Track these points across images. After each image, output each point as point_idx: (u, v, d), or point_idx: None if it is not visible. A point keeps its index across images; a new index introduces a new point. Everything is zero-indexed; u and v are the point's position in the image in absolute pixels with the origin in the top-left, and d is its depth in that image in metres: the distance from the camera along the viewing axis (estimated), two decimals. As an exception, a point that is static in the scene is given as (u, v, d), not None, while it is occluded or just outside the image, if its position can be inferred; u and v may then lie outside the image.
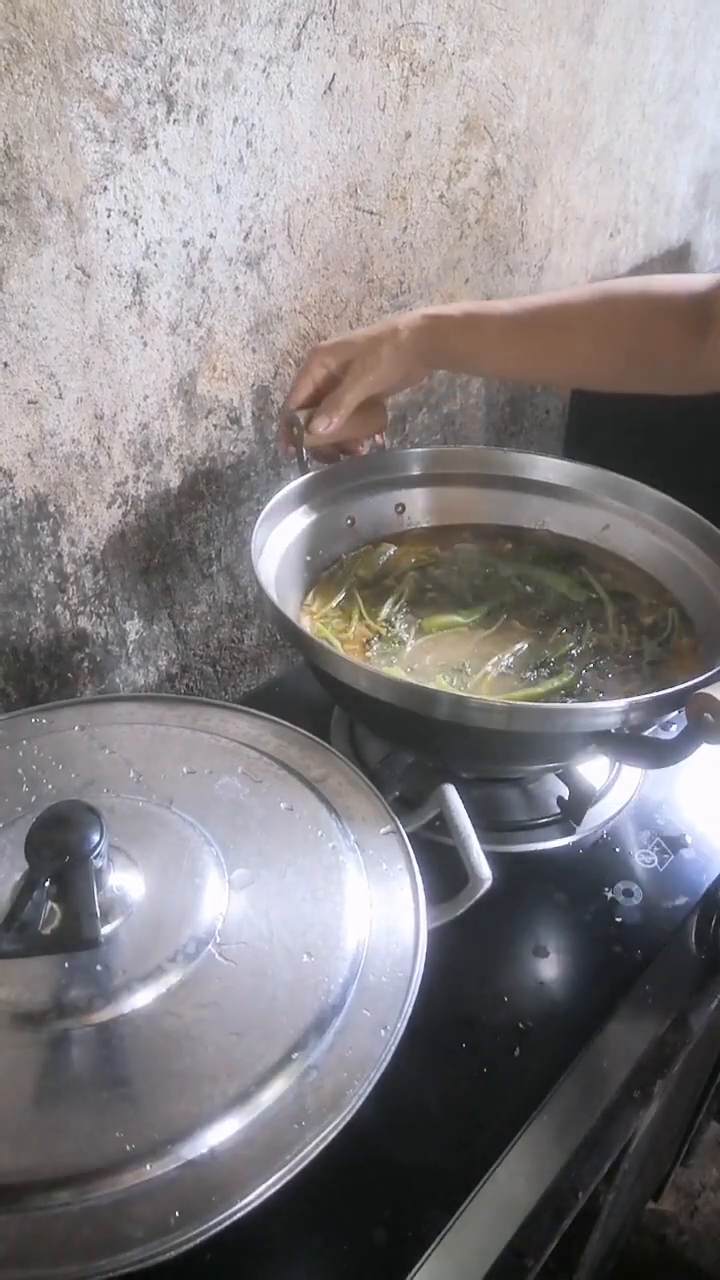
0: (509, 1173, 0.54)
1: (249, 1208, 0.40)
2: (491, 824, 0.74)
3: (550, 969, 0.65)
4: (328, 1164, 0.42)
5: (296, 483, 0.79)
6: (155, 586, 0.86)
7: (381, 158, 0.87)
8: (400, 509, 0.88)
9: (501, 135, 0.99)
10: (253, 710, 0.66)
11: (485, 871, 0.54)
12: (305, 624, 0.77)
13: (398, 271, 0.95)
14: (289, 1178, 0.41)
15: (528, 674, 0.73)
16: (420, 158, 0.91)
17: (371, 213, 0.89)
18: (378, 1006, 0.48)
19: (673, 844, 0.73)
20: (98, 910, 0.46)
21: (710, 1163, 1.40)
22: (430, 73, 0.87)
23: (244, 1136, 0.43)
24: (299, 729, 0.64)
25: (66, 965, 0.47)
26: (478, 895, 0.54)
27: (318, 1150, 0.42)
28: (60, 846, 0.47)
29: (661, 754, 0.60)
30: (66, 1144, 0.42)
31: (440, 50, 0.87)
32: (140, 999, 0.47)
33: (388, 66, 0.83)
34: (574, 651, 0.75)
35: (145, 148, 0.67)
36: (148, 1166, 0.41)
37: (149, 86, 0.66)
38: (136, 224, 0.69)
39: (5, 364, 0.66)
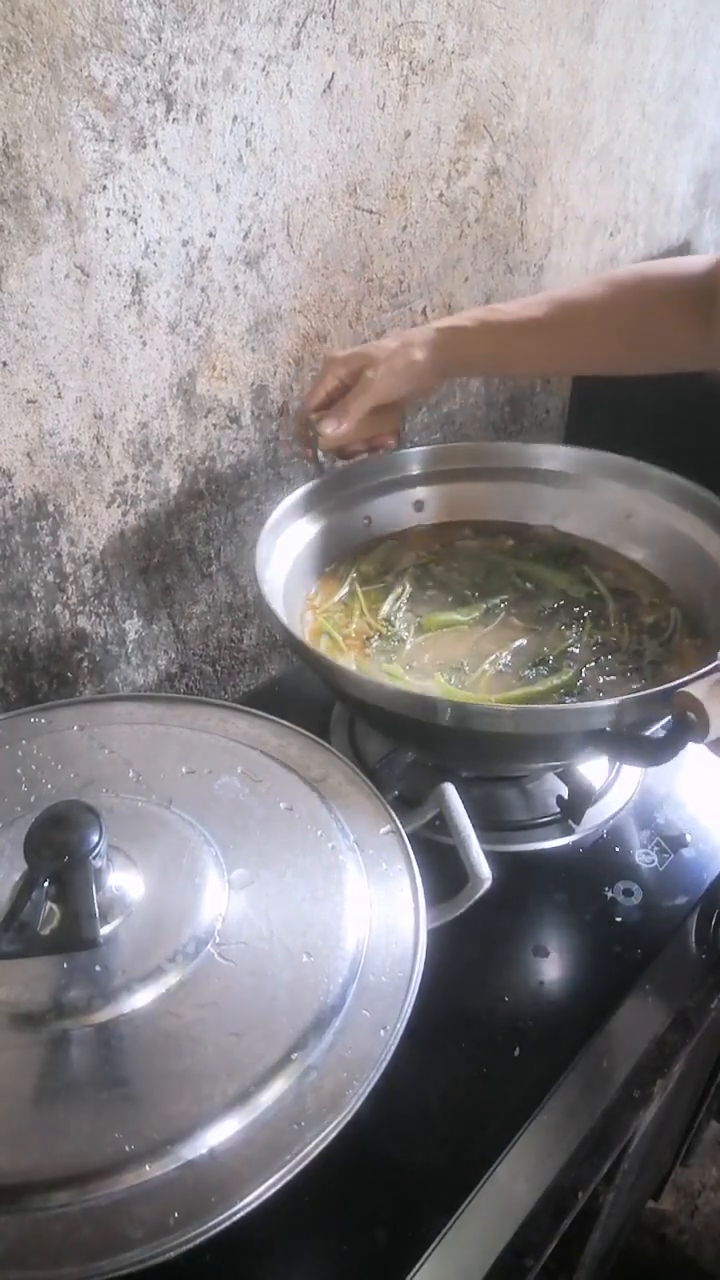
0: (509, 1173, 0.54)
1: (249, 1208, 0.40)
2: (491, 824, 0.74)
3: (550, 969, 0.64)
4: (328, 1164, 0.42)
5: (304, 488, 0.80)
6: (155, 586, 0.86)
7: (381, 157, 0.87)
8: (419, 506, 0.88)
9: (501, 134, 0.99)
10: (252, 710, 0.66)
11: (485, 871, 0.54)
12: (308, 618, 0.78)
13: (397, 270, 0.95)
14: (289, 1178, 0.41)
15: (526, 672, 0.73)
16: (420, 157, 0.91)
17: (371, 212, 0.88)
18: (377, 1006, 0.48)
19: (673, 843, 0.73)
20: (97, 910, 0.46)
21: (710, 1162, 1.40)
22: (430, 71, 0.87)
23: (244, 1137, 0.43)
24: (299, 729, 0.64)
25: (66, 965, 0.47)
26: (478, 895, 0.54)
27: (317, 1150, 0.42)
28: (59, 846, 0.47)
29: (652, 752, 0.61)
30: (66, 1144, 0.42)
31: (440, 49, 0.87)
32: (140, 999, 0.47)
33: (387, 65, 0.82)
34: (574, 650, 0.75)
35: (144, 147, 0.67)
36: (147, 1167, 0.41)
37: (148, 85, 0.65)
38: (136, 223, 0.69)
39: (4, 363, 0.66)
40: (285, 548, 0.77)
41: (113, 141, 0.65)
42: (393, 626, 0.78)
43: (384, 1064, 0.45)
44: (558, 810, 0.75)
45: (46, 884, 0.46)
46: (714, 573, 0.77)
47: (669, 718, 0.59)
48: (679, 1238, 1.33)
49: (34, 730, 0.63)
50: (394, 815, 0.58)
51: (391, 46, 0.82)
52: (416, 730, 0.67)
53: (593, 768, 0.78)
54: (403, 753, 0.75)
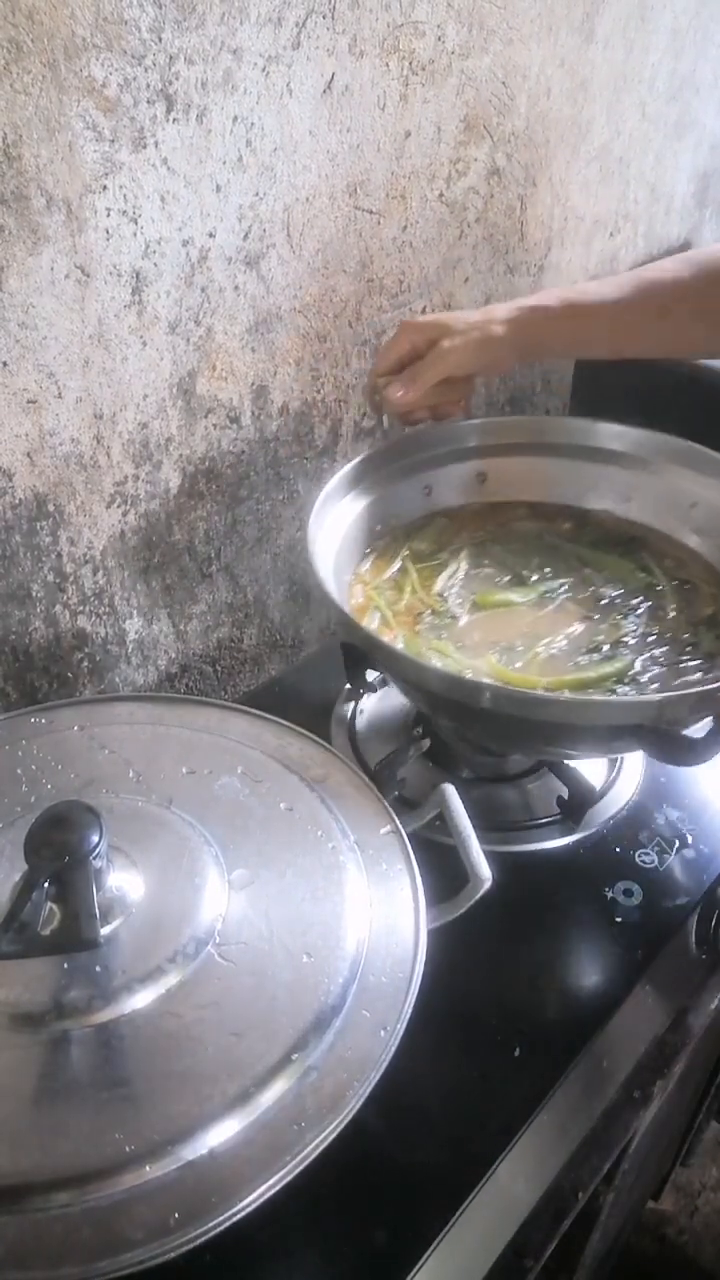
0: (509, 1173, 0.54)
1: (249, 1208, 0.40)
2: (491, 824, 0.74)
3: (550, 969, 0.64)
4: (328, 1164, 0.42)
5: (357, 460, 0.79)
6: (155, 586, 0.86)
7: (381, 157, 0.87)
8: (482, 477, 0.86)
9: (501, 134, 0.99)
10: (252, 710, 0.66)
11: (485, 871, 0.54)
12: (357, 592, 0.77)
13: (397, 271, 0.95)
14: (289, 1178, 0.41)
15: (580, 658, 0.72)
16: (420, 157, 0.91)
17: (371, 212, 0.88)
18: (377, 1007, 0.48)
19: (673, 844, 0.73)
20: (97, 911, 0.46)
21: (710, 1163, 1.40)
22: (430, 72, 0.87)
23: (244, 1137, 0.43)
24: (299, 729, 0.64)
25: (66, 966, 0.47)
26: (478, 895, 0.54)
27: (317, 1151, 0.42)
28: (60, 847, 0.47)
29: (689, 752, 0.59)
30: (66, 1145, 0.42)
31: (440, 49, 0.87)
32: (140, 999, 0.47)
33: (387, 65, 0.82)
34: (628, 639, 0.74)
35: (144, 147, 0.67)
36: (147, 1167, 0.41)
37: (148, 85, 0.65)
38: (136, 223, 0.69)
39: (4, 363, 0.66)
40: (336, 521, 0.76)
41: (113, 142, 0.65)
42: (445, 603, 0.77)
43: (384, 1064, 0.45)
44: (558, 810, 0.75)
45: (47, 884, 0.46)
46: None
47: (710, 718, 0.59)
48: (679, 1238, 1.33)
49: (34, 730, 0.63)
50: (394, 815, 0.58)
51: (392, 47, 0.82)
52: (454, 710, 0.67)
53: (593, 768, 0.78)
54: (403, 753, 0.75)
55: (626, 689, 0.69)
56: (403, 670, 0.66)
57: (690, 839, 0.73)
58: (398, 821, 0.58)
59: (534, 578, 0.79)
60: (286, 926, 0.51)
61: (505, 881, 0.56)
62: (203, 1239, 0.40)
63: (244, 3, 0.69)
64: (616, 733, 0.62)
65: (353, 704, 0.85)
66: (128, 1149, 0.42)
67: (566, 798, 0.74)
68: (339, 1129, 0.43)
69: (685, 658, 0.72)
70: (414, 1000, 0.48)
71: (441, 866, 0.56)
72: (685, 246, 1.46)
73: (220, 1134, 0.43)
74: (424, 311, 1.01)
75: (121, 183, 0.67)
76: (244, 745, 0.62)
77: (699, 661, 0.72)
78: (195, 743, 0.63)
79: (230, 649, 0.98)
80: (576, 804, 0.74)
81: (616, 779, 0.78)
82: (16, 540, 0.73)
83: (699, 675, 0.70)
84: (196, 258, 0.75)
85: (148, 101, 0.66)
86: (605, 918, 0.67)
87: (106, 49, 0.62)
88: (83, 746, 0.62)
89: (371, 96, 0.83)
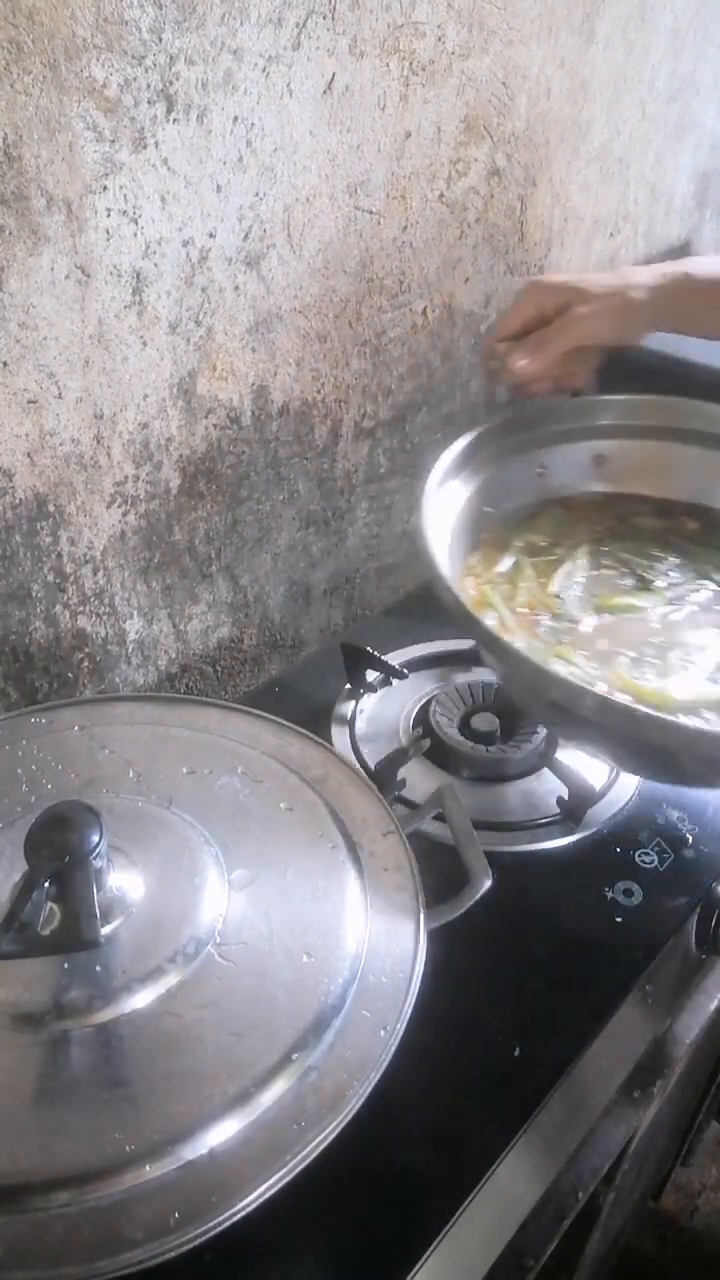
0: (509, 1173, 0.54)
1: (249, 1208, 0.40)
2: (491, 824, 0.74)
3: (550, 969, 0.64)
4: (327, 1164, 0.42)
5: (467, 438, 0.72)
6: (155, 586, 0.86)
7: (381, 157, 0.87)
8: (600, 460, 0.79)
9: (501, 135, 0.99)
10: (252, 710, 0.66)
11: (485, 872, 0.54)
12: (469, 585, 0.70)
13: (397, 271, 0.95)
14: (289, 1178, 0.41)
15: (718, 674, 0.65)
16: (420, 157, 0.91)
17: (371, 212, 0.88)
18: (377, 1007, 0.48)
19: (673, 844, 0.73)
20: (97, 911, 0.46)
21: (710, 1163, 1.40)
22: (430, 72, 0.87)
23: (244, 1137, 0.43)
24: (299, 729, 0.64)
25: (66, 966, 0.47)
26: (478, 895, 0.54)
27: (317, 1151, 0.42)
28: (60, 847, 0.47)
29: None
30: (66, 1145, 0.42)
31: (440, 50, 0.87)
32: (140, 999, 0.47)
33: (387, 66, 0.82)
34: None
35: (145, 147, 0.67)
36: (147, 1167, 0.41)
37: (149, 86, 0.66)
38: (136, 223, 0.69)
39: (5, 364, 0.66)
40: (447, 504, 0.69)
41: (113, 142, 0.65)
42: (564, 604, 0.71)
43: (384, 1064, 0.45)
44: (558, 810, 0.75)
45: (47, 884, 0.46)
46: None
47: None
48: (679, 1238, 1.33)
49: (34, 730, 0.64)
50: (394, 815, 0.58)
51: (392, 47, 0.82)
52: (581, 724, 0.59)
53: (593, 768, 0.78)
54: (403, 753, 0.75)
55: None
56: (525, 679, 0.59)
57: (690, 839, 0.73)
58: (398, 821, 0.58)
59: (657, 582, 0.73)
60: (286, 926, 0.51)
61: (505, 881, 0.56)
62: (203, 1239, 0.40)
63: (244, 3, 0.69)
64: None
65: (353, 704, 0.85)
66: (128, 1149, 0.42)
67: (566, 797, 0.74)
68: (339, 1129, 0.43)
69: None
70: (414, 1000, 0.48)
71: (441, 866, 0.56)
72: (685, 247, 1.46)
73: (220, 1134, 0.43)
74: (424, 313, 1.01)
75: (122, 183, 0.67)
76: (244, 745, 0.63)
77: None
78: (195, 743, 0.63)
79: (230, 649, 0.98)
80: (576, 804, 0.74)
81: (617, 779, 0.78)
82: (17, 540, 0.73)
83: None
84: (197, 258, 0.75)
85: (148, 102, 0.66)
86: (605, 918, 0.67)
87: (107, 49, 0.62)
88: (83, 746, 0.62)
89: (372, 97, 0.83)
